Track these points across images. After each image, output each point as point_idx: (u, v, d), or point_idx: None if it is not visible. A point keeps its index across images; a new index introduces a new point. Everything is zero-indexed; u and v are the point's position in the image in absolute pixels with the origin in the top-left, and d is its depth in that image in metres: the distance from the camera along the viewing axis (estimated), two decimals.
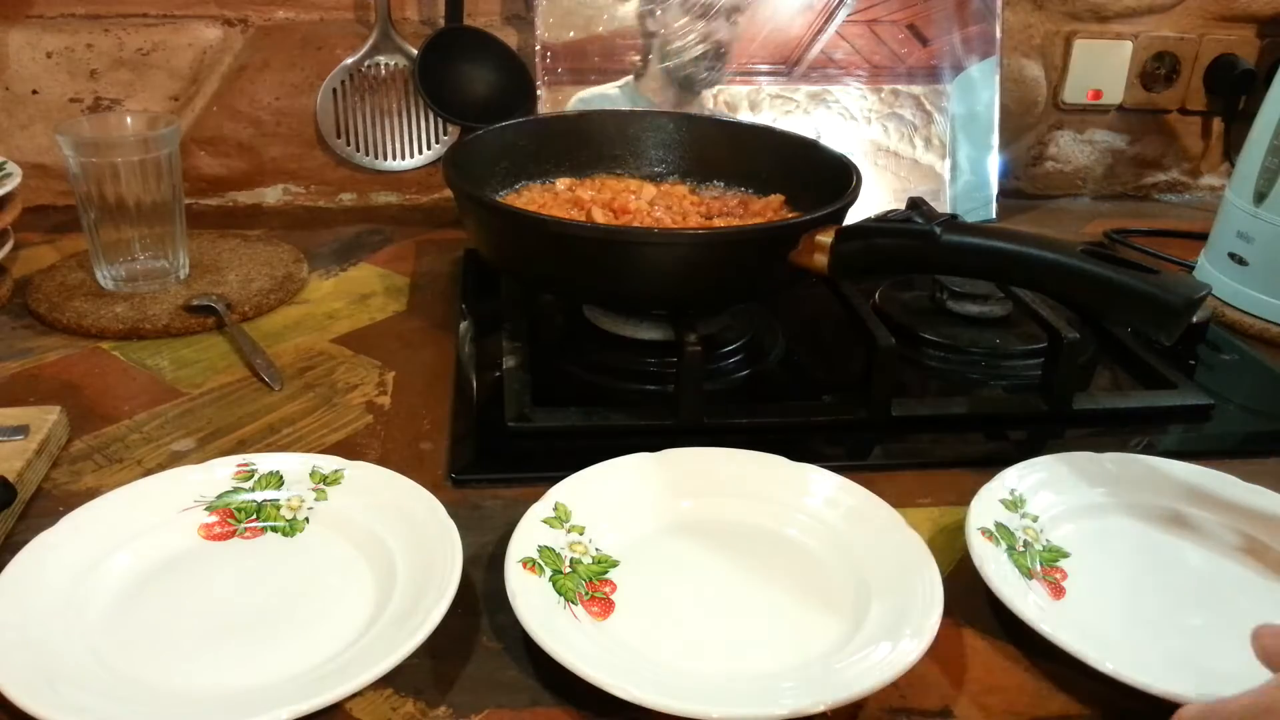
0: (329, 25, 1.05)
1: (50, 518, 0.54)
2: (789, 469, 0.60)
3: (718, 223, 0.79)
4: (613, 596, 0.52)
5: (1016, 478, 0.60)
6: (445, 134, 1.07)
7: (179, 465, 0.60)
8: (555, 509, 0.56)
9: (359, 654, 0.47)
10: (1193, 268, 0.96)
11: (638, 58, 1.01)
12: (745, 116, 1.03)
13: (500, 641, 0.50)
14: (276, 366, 0.75)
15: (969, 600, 0.54)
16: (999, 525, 0.56)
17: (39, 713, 0.42)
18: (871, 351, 0.69)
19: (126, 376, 0.74)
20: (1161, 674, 0.46)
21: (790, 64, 1.04)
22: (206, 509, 0.57)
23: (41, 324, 0.80)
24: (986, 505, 0.57)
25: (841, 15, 1.03)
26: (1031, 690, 0.49)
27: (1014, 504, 0.58)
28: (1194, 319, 0.75)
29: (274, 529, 0.56)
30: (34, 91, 1.02)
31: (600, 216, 0.76)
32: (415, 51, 1.01)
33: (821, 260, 0.66)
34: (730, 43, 1.02)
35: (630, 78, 1.01)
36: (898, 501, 0.57)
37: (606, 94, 1.01)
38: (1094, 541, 0.57)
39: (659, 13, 1.00)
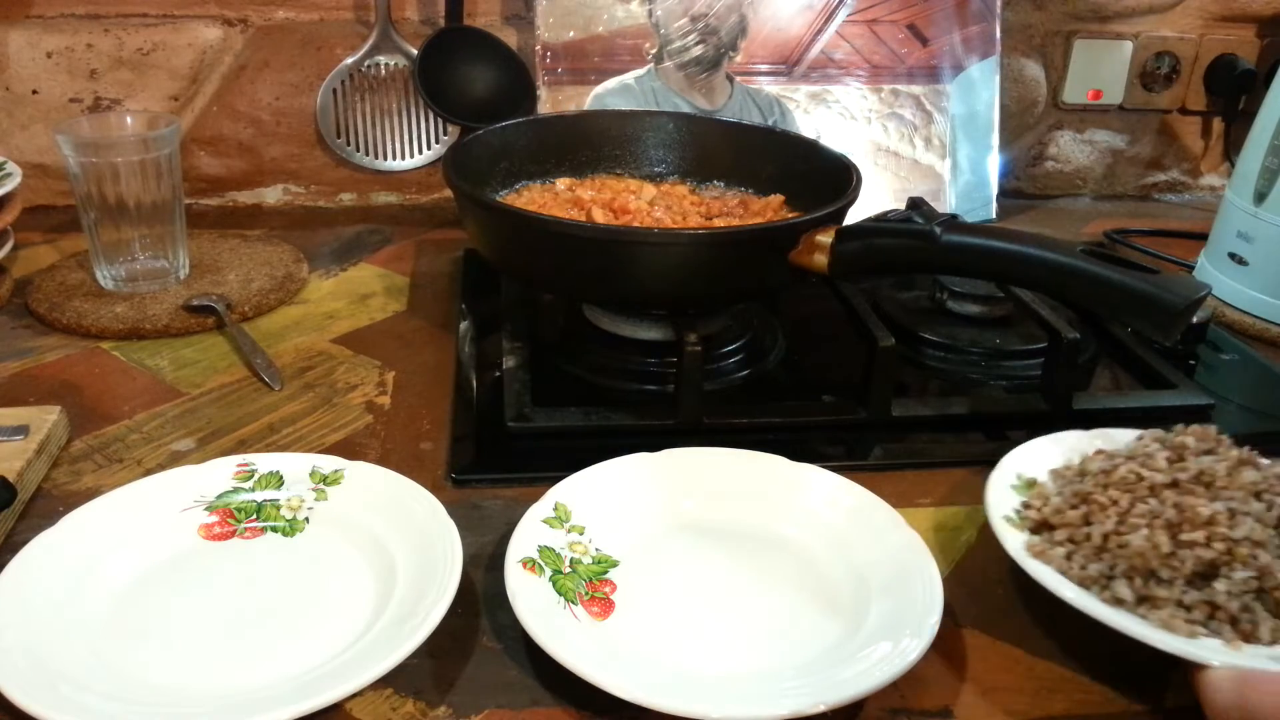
0: (329, 25, 1.05)
1: (50, 518, 0.54)
2: (789, 469, 0.60)
3: (718, 223, 0.79)
4: (613, 596, 0.52)
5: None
6: (445, 134, 1.07)
7: (179, 465, 0.60)
8: (555, 509, 0.56)
9: (359, 654, 0.47)
10: (1193, 268, 0.96)
11: (653, 48, 1.01)
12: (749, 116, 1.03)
13: (500, 641, 0.50)
14: (276, 366, 0.75)
15: (969, 600, 0.54)
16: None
17: (39, 713, 0.42)
18: (871, 351, 0.69)
19: (126, 376, 0.74)
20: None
21: (790, 64, 1.04)
22: (206, 509, 0.57)
23: (41, 324, 0.80)
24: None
25: (841, 15, 1.03)
26: (1031, 690, 0.49)
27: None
28: (1194, 319, 0.75)
29: (274, 529, 0.56)
30: (34, 91, 1.02)
31: (600, 216, 0.76)
32: (415, 51, 1.01)
33: (821, 260, 0.66)
34: (705, 13, 1.01)
35: (650, 67, 1.01)
36: (898, 501, 0.57)
37: (626, 84, 1.01)
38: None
39: None
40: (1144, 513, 0.51)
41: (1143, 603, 0.49)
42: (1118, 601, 0.49)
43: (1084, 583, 0.50)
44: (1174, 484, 0.52)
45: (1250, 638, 0.47)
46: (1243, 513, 0.49)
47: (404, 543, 0.54)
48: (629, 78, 1.01)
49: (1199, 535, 0.49)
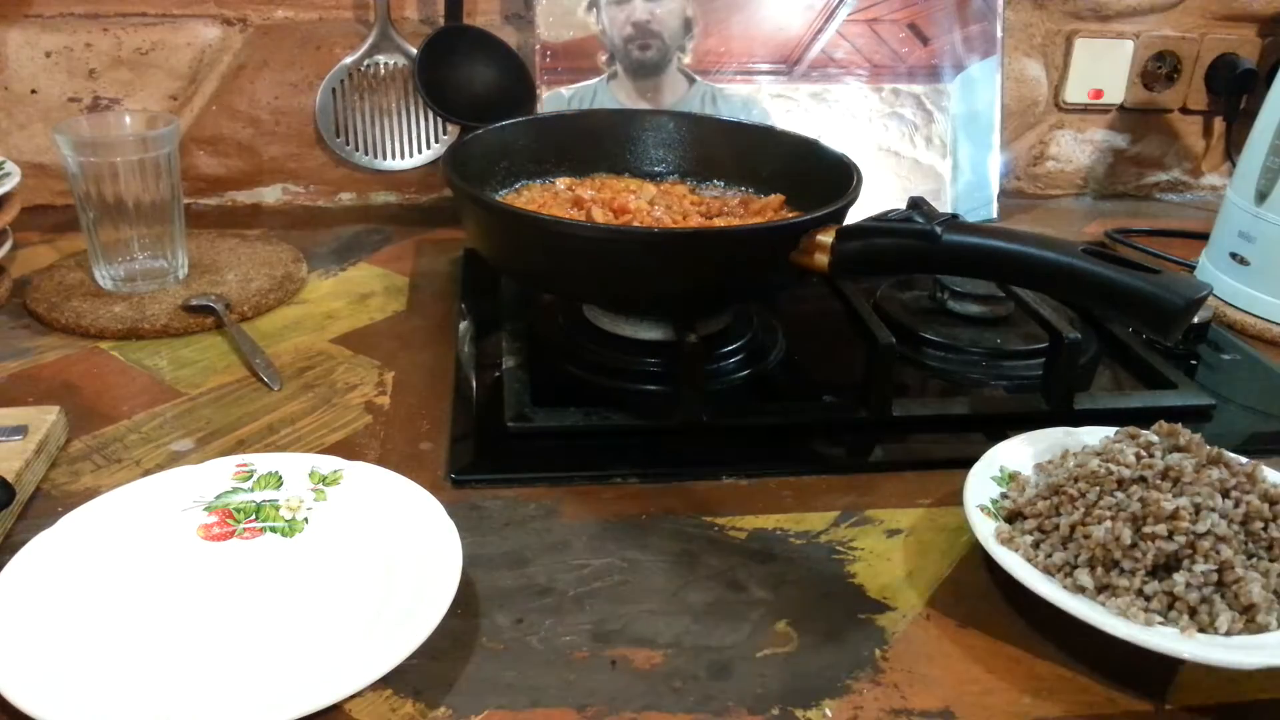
0: (328, 24, 1.04)
1: (49, 518, 0.54)
2: None
3: (718, 222, 0.79)
4: None
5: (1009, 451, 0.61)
6: (445, 134, 1.07)
7: (178, 465, 0.60)
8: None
9: (359, 654, 0.47)
10: (1194, 267, 0.96)
11: (604, 57, 1.01)
12: (746, 116, 1.03)
13: (500, 642, 0.50)
14: (275, 366, 0.75)
15: (970, 600, 0.54)
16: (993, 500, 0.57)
17: (39, 713, 0.42)
18: (871, 351, 0.69)
19: (125, 376, 0.74)
20: None
21: (791, 63, 1.04)
22: (205, 509, 0.57)
23: (40, 324, 0.80)
24: (979, 482, 0.58)
25: (842, 14, 1.03)
26: (1031, 690, 0.49)
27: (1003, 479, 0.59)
28: (1195, 319, 0.75)
29: (273, 529, 0.56)
30: (33, 91, 1.02)
31: (600, 216, 0.76)
32: (415, 51, 1.01)
33: (822, 260, 0.66)
34: (648, 22, 1.00)
35: (604, 78, 1.01)
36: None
37: (587, 88, 1.01)
38: None
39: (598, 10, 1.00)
40: (1109, 505, 0.52)
41: (1103, 591, 0.50)
42: (1079, 589, 0.50)
43: (1048, 570, 0.52)
44: (1141, 479, 0.53)
45: (1207, 629, 0.48)
46: (1207, 508, 0.51)
47: (404, 543, 0.54)
48: (586, 85, 1.01)
49: (1161, 529, 0.50)
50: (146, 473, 0.61)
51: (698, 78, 1.02)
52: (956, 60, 1.05)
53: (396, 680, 0.47)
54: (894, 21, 1.04)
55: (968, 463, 0.60)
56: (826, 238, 0.66)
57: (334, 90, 1.04)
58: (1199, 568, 0.49)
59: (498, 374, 0.72)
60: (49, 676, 0.45)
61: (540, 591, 0.53)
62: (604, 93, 1.01)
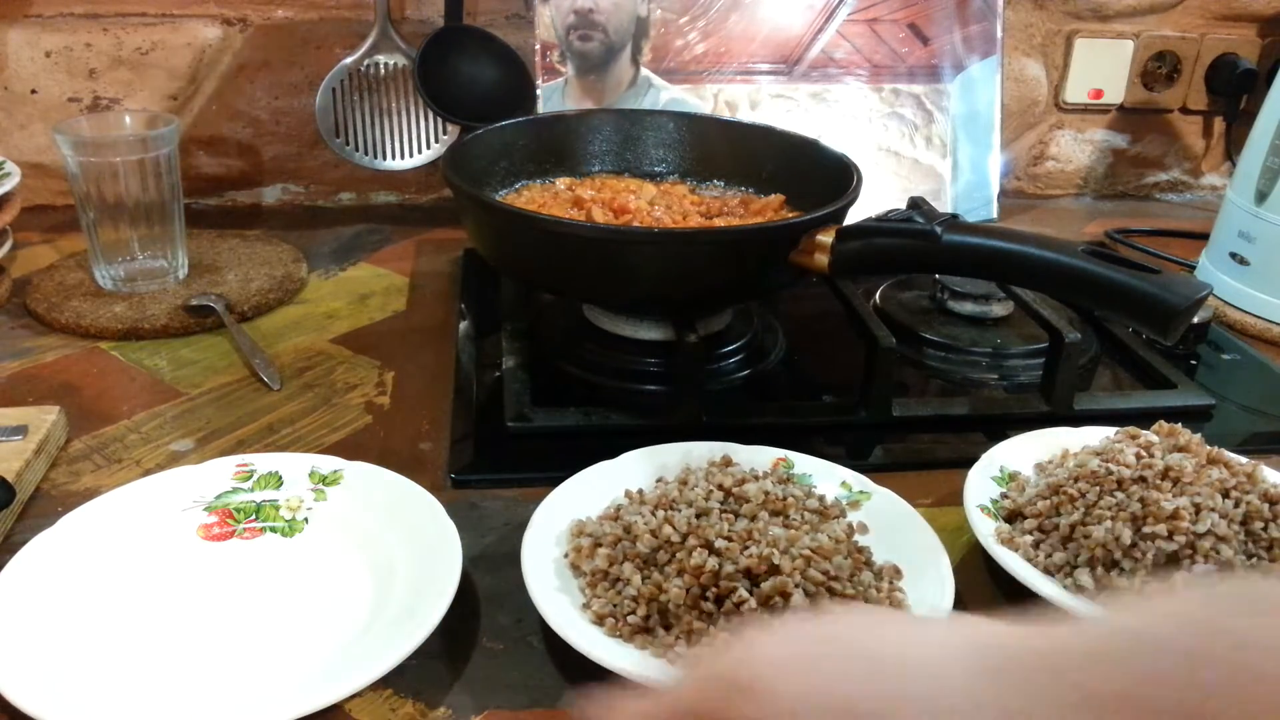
0: (328, 24, 1.04)
1: (49, 518, 0.54)
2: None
3: (718, 222, 0.79)
4: None
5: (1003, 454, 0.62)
6: (445, 134, 1.07)
7: (178, 465, 0.60)
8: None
9: (359, 654, 0.47)
10: (1194, 267, 0.96)
11: (555, 54, 1.01)
12: (746, 116, 1.02)
13: (500, 642, 0.50)
14: (275, 366, 0.75)
15: (969, 600, 0.54)
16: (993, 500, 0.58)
17: (39, 713, 0.42)
18: (872, 351, 0.69)
19: (125, 376, 0.74)
20: None
21: (791, 63, 1.04)
22: (205, 509, 0.57)
23: (40, 324, 0.80)
24: (979, 482, 0.59)
25: (842, 14, 1.03)
26: None
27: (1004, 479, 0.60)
28: (1195, 319, 0.75)
29: (273, 529, 0.56)
30: (33, 91, 1.02)
31: (600, 216, 0.76)
32: (415, 51, 1.01)
33: (822, 260, 0.66)
34: (591, 11, 0.99)
35: (563, 80, 1.01)
36: None
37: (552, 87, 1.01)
38: None
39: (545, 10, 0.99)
40: (1110, 505, 0.52)
41: (1103, 591, 0.50)
42: (1079, 589, 0.50)
43: (1048, 570, 0.52)
44: (1141, 479, 0.53)
45: None
46: (1208, 508, 0.51)
47: (404, 543, 0.54)
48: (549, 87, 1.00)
49: (1161, 529, 0.50)
50: (146, 473, 0.61)
51: (648, 74, 1.02)
52: (956, 60, 1.05)
53: (396, 680, 0.47)
54: (894, 21, 1.04)
55: (968, 463, 0.60)
56: (826, 238, 0.66)
57: (334, 90, 1.04)
58: (1199, 568, 0.49)
59: (498, 374, 0.72)
60: (49, 676, 0.45)
61: None
62: (557, 97, 1.01)
